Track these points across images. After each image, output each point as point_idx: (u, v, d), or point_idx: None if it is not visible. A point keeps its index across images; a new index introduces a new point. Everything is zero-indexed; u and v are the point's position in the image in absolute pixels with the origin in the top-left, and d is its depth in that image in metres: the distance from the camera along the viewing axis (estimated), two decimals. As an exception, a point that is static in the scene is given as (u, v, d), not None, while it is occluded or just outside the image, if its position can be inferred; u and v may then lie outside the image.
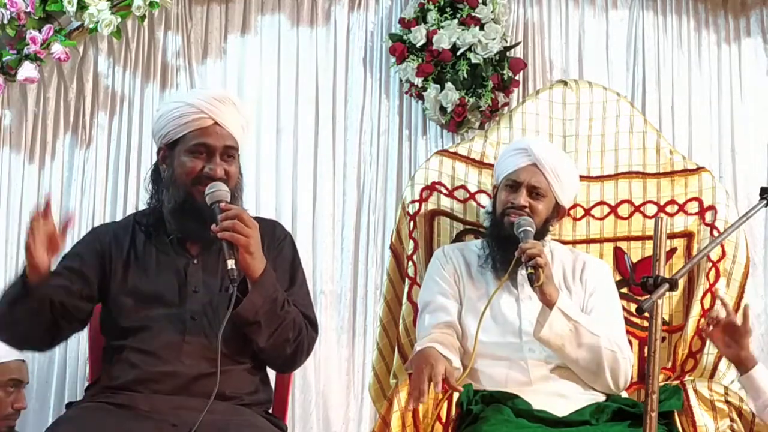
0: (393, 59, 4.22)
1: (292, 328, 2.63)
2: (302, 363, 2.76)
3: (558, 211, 3.07)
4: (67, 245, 4.02)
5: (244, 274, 2.58)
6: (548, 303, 2.82)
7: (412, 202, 3.33)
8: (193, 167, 2.65)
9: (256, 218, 2.83)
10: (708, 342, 3.08)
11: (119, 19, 4.00)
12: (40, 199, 4.08)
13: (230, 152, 2.69)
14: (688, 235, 3.28)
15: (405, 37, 4.19)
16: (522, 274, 2.88)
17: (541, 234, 3.01)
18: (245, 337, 2.64)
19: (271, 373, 2.88)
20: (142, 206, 2.90)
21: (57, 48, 3.98)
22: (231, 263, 2.50)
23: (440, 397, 2.71)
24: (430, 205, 3.33)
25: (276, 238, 2.81)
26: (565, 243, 3.23)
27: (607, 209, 3.33)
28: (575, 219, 3.32)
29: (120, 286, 2.70)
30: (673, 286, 2.19)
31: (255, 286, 2.57)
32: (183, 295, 2.65)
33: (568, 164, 3.12)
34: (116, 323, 2.68)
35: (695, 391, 2.85)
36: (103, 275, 2.72)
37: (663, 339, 3.13)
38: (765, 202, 2.55)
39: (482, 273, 3.04)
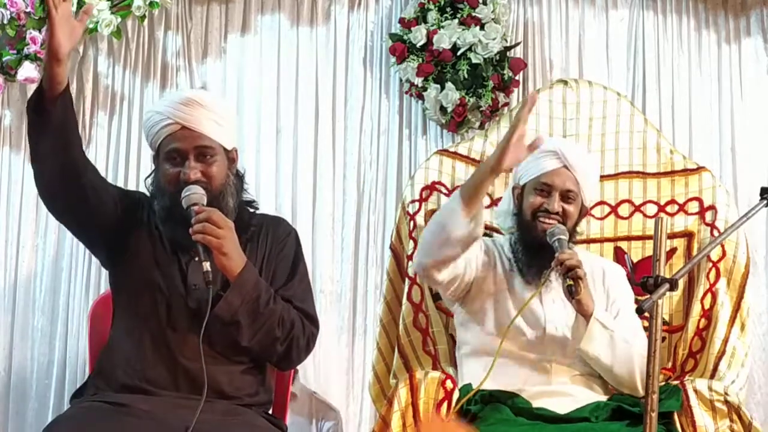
0: (393, 59, 4.22)
1: (279, 325, 2.61)
2: (302, 359, 2.73)
3: (583, 212, 3.04)
4: (67, 244, 4.06)
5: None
6: (585, 314, 2.80)
7: (412, 201, 3.33)
8: (171, 174, 2.65)
9: (262, 215, 2.83)
10: (708, 342, 3.08)
11: (119, 19, 4.00)
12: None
13: (206, 152, 2.66)
14: (688, 235, 3.27)
15: (405, 37, 4.19)
16: (552, 280, 2.87)
17: (570, 237, 2.98)
18: (255, 357, 2.65)
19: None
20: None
21: (57, 48, 3.97)
22: (206, 266, 2.51)
23: None
24: (430, 204, 3.32)
25: (278, 237, 2.80)
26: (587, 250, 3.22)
27: (607, 209, 3.33)
28: (575, 219, 3.32)
29: (131, 265, 2.70)
30: (673, 286, 2.19)
31: (232, 287, 2.57)
32: (184, 292, 2.65)
33: (594, 165, 3.09)
34: (121, 309, 2.69)
35: (695, 391, 2.85)
36: (123, 231, 2.70)
37: (663, 339, 3.13)
38: (765, 202, 2.55)
39: (513, 271, 3.01)
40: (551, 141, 3.16)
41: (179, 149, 2.65)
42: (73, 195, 2.60)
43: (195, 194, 2.59)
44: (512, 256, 3.00)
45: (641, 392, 2.87)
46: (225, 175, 2.70)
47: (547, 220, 2.91)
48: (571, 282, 2.74)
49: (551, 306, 2.92)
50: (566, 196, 2.95)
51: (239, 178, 2.78)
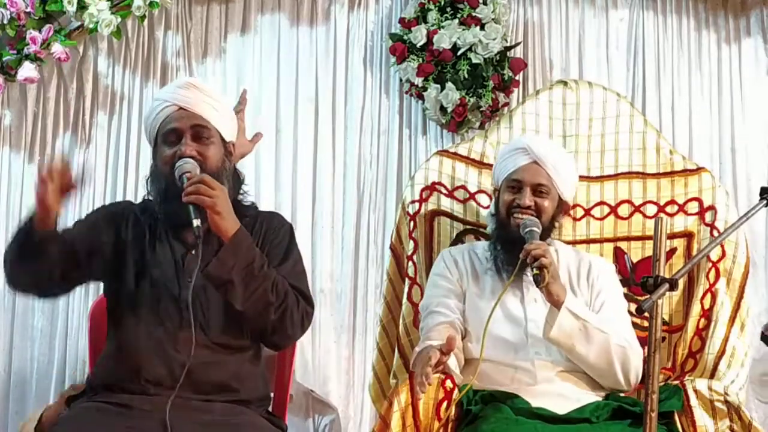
0: (393, 59, 4.22)
1: (273, 291, 2.59)
2: (297, 335, 2.70)
3: (562, 207, 3.06)
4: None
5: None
6: (556, 303, 2.80)
7: (412, 202, 3.33)
8: (168, 154, 2.67)
9: (257, 210, 2.83)
10: (708, 342, 3.08)
11: (119, 19, 4.01)
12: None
13: (202, 132, 2.68)
14: (688, 235, 3.27)
15: (405, 37, 4.19)
16: (528, 275, 2.88)
17: (548, 231, 3.00)
18: (240, 327, 2.64)
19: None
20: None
21: (57, 48, 3.98)
22: (196, 222, 2.51)
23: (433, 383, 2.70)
24: (430, 205, 3.33)
25: (272, 227, 2.80)
26: (565, 243, 3.23)
27: (607, 209, 3.33)
28: (575, 219, 3.32)
29: (125, 272, 2.70)
30: (673, 286, 2.19)
31: (226, 246, 2.55)
32: (180, 285, 2.65)
33: (567, 159, 3.11)
34: (117, 311, 2.69)
35: (695, 391, 2.84)
36: (114, 249, 2.72)
37: (663, 339, 3.13)
38: (765, 202, 2.55)
39: (487, 274, 3.03)
40: (521, 138, 3.17)
41: (176, 128, 2.67)
42: (70, 285, 2.72)
43: (188, 164, 2.61)
44: (491, 255, 3.02)
45: (625, 385, 2.88)
46: (221, 160, 2.70)
47: (520, 215, 2.94)
48: (537, 271, 2.76)
49: (533, 305, 2.93)
50: (538, 191, 2.98)
51: (237, 176, 2.78)
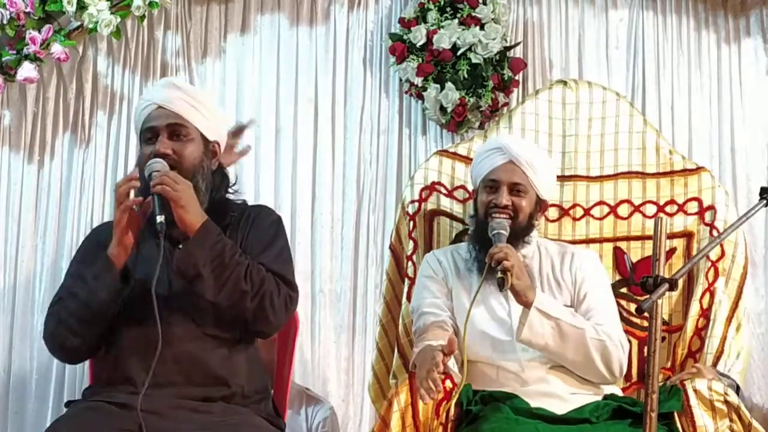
0: (393, 59, 4.22)
1: (247, 278, 2.57)
2: (281, 321, 2.67)
3: (540, 206, 3.06)
4: (67, 244, 4.07)
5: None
6: (525, 304, 2.80)
7: (412, 202, 3.33)
8: (146, 153, 2.68)
9: (245, 204, 2.83)
10: (707, 342, 3.08)
11: (119, 19, 4.00)
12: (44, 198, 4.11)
13: (179, 131, 2.69)
14: (687, 235, 3.28)
15: (405, 37, 4.19)
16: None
17: (526, 230, 3.00)
18: (229, 318, 2.64)
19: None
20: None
21: (57, 48, 3.98)
22: (160, 218, 2.53)
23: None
24: (430, 205, 3.33)
25: (260, 218, 2.77)
26: (566, 242, 3.23)
27: (606, 209, 3.33)
28: (575, 219, 3.32)
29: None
30: (672, 286, 2.19)
31: (192, 239, 2.56)
32: (169, 282, 2.64)
33: (543, 157, 3.12)
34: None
35: (695, 391, 2.84)
36: None
37: (662, 339, 3.13)
38: (765, 202, 2.55)
39: (470, 275, 3.03)
40: (497, 138, 3.17)
41: (152, 127, 2.69)
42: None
43: (156, 163, 2.62)
44: (470, 257, 3.02)
45: (609, 378, 2.88)
46: (199, 159, 2.71)
47: (498, 215, 2.94)
48: (501, 275, 2.76)
49: (516, 304, 2.92)
50: (515, 190, 2.99)
51: (223, 175, 2.78)
